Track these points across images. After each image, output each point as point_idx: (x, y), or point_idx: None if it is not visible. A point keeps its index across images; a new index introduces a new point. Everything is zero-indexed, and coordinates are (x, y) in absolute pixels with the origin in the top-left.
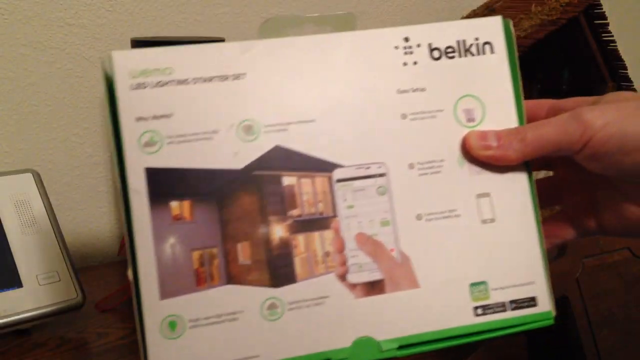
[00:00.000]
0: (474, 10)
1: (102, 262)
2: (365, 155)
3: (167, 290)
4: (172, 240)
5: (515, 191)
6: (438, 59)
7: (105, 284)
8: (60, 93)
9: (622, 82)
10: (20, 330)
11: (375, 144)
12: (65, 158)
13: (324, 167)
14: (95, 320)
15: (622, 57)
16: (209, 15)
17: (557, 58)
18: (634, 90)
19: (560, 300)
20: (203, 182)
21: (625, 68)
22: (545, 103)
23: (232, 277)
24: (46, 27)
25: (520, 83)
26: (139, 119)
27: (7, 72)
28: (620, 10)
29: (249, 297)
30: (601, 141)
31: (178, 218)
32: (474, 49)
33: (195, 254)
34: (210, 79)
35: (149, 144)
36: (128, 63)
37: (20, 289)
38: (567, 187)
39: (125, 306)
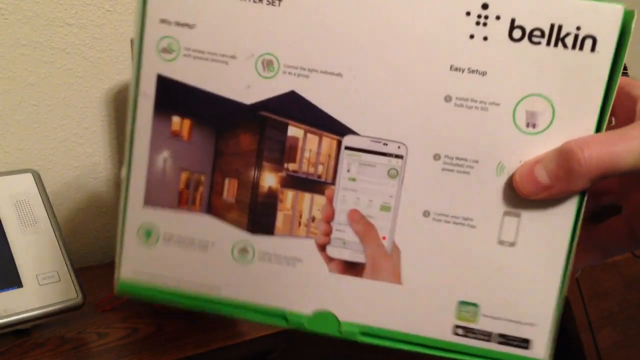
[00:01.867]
0: None
1: (102, 262)
2: (387, 130)
3: (151, 199)
4: (165, 153)
5: (554, 221)
6: (517, 40)
7: (105, 284)
8: (60, 93)
9: None
10: (20, 330)
11: (403, 121)
12: (65, 158)
13: (337, 128)
14: (95, 320)
15: None
16: None
17: None
18: None
19: None
20: (208, 105)
21: (626, 68)
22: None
23: (212, 209)
24: (46, 27)
25: (614, 94)
26: (163, 21)
27: (7, 72)
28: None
29: (224, 233)
30: None
31: (176, 134)
32: (568, 40)
33: (184, 175)
34: None
35: (166, 50)
36: None
37: (20, 289)
38: (636, 185)
39: (125, 306)
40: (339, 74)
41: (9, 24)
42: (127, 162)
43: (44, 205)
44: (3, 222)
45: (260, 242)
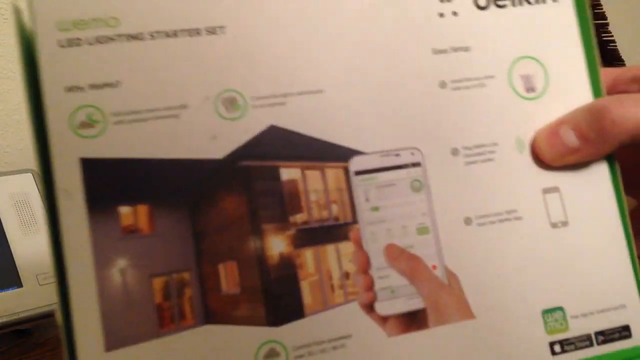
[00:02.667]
0: None
1: None
2: (394, 138)
3: (116, 338)
4: (122, 262)
5: (593, 184)
6: (484, 8)
7: None
8: None
9: None
10: (20, 330)
11: (406, 123)
12: None
13: (338, 154)
14: None
15: (622, 57)
16: None
17: None
18: None
19: None
20: (167, 178)
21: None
22: (607, 72)
23: (213, 314)
24: None
25: (594, 41)
26: (71, 88)
27: (7, 72)
28: (620, 10)
29: (238, 342)
30: None
31: (131, 230)
32: None
33: (157, 282)
34: (174, 33)
35: (86, 124)
36: (56, 10)
37: (20, 289)
38: None
39: None
40: (320, 91)
41: (9, 24)
42: (60, 300)
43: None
44: (3, 222)
45: (291, 333)
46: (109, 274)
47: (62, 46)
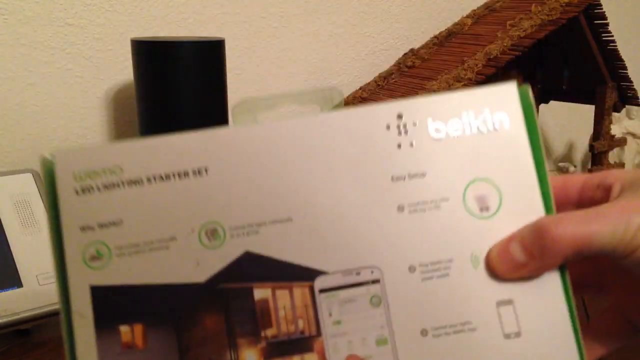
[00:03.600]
0: (474, 10)
1: None
2: (355, 259)
3: None
4: None
5: (545, 297)
6: (439, 138)
7: None
8: (60, 93)
9: (622, 82)
10: (20, 330)
11: (367, 244)
12: None
13: (304, 275)
14: None
15: (622, 57)
16: (209, 15)
17: (557, 58)
18: (634, 90)
19: None
20: (158, 300)
21: (625, 68)
22: (576, 179)
23: None
24: (46, 27)
25: (545, 163)
26: (84, 228)
27: (7, 72)
28: (620, 10)
29: None
30: None
31: (129, 345)
32: (484, 122)
33: None
34: (167, 177)
35: (95, 257)
36: (72, 163)
37: (20, 289)
38: (611, 269)
39: None
40: (289, 219)
41: (9, 24)
42: None
43: (44, 205)
44: (3, 222)
45: None
46: None
47: (77, 193)
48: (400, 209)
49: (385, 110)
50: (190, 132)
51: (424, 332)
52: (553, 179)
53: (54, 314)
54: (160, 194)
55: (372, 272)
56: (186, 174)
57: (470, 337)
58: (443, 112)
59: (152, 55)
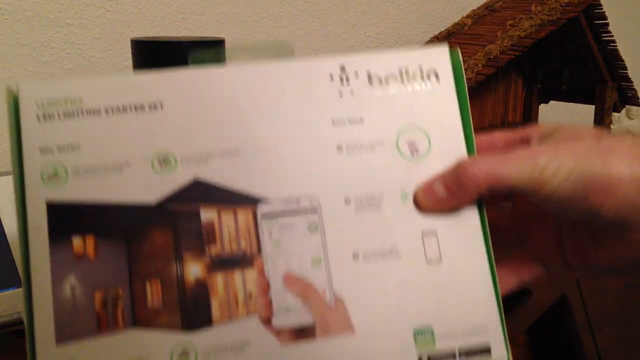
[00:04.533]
0: (474, 10)
1: None
2: (295, 189)
3: (64, 335)
4: (72, 279)
5: (464, 228)
6: (378, 87)
7: None
8: None
9: (622, 82)
10: (20, 330)
11: (307, 178)
12: None
13: (248, 201)
14: None
15: (622, 57)
16: (209, 15)
17: (557, 58)
18: (634, 90)
19: (560, 300)
20: (110, 217)
21: (625, 68)
22: (501, 135)
23: (139, 321)
24: (46, 27)
25: (470, 113)
26: (44, 150)
27: (7, 72)
28: (620, 10)
29: (157, 343)
30: (556, 186)
31: (80, 256)
32: (417, 78)
33: (98, 295)
34: (124, 109)
35: (52, 176)
36: (36, 92)
37: (20, 289)
38: (530, 219)
39: None
40: (236, 151)
41: (9, 24)
42: (25, 303)
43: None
44: (3, 222)
45: (200, 338)
46: (62, 287)
47: (39, 119)
48: (340, 148)
49: (329, 62)
50: (148, 72)
51: (355, 257)
52: (480, 135)
53: None
54: (117, 124)
55: (310, 201)
56: (142, 107)
57: (397, 261)
58: (382, 67)
59: (152, 55)
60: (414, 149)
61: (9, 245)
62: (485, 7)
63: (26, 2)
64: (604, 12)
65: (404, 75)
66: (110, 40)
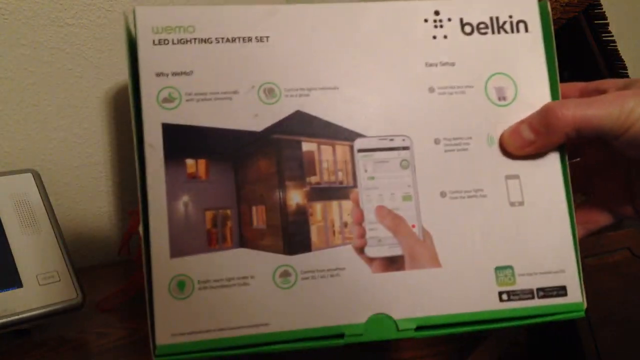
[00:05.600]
0: None
1: (102, 262)
2: (389, 127)
3: (178, 249)
4: (185, 198)
5: (546, 174)
6: (469, 34)
7: (105, 284)
8: (60, 93)
9: None
10: (20, 330)
11: (400, 117)
12: (65, 158)
13: (346, 135)
14: (95, 320)
15: (622, 57)
16: None
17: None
18: None
19: None
20: (220, 141)
21: (625, 68)
22: (576, 85)
23: (245, 241)
24: (46, 27)
25: (556, 63)
26: (159, 74)
27: (7, 72)
28: (620, 10)
29: (262, 262)
30: None
31: (193, 176)
32: (507, 27)
33: (209, 214)
34: (233, 40)
35: (167, 99)
36: (151, 19)
37: (20, 289)
38: (599, 172)
39: (125, 306)
40: (336, 87)
41: (9, 24)
42: (142, 218)
43: (44, 205)
44: (3, 222)
45: (300, 261)
46: (176, 205)
47: (155, 44)
48: (431, 90)
49: (424, 6)
50: (256, 5)
51: (443, 194)
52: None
53: (54, 314)
54: (227, 53)
55: (403, 139)
56: (250, 39)
57: (481, 201)
58: (474, 14)
59: None
60: (501, 95)
61: (9, 245)
62: None
63: (26, 2)
64: (604, 12)
65: (494, 23)
66: (110, 40)
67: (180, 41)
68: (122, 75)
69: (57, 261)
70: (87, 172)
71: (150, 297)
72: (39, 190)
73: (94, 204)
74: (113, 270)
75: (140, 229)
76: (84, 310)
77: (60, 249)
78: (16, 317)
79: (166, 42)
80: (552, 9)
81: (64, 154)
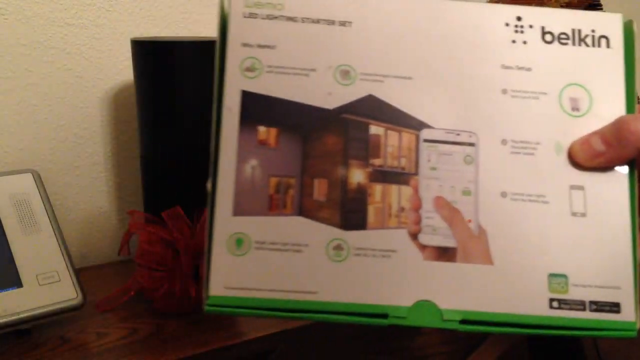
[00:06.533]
0: None
1: (102, 262)
2: (458, 122)
3: (240, 208)
4: (253, 162)
5: (613, 189)
6: (549, 42)
7: (105, 284)
8: (60, 93)
9: None
10: (20, 330)
11: (470, 113)
12: (65, 158)
13: (413, 124)
14: (95, 320)
15: None
16: (209, 15)
17: None
18: None
19: None
20: (292, 114)
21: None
22: None
23: (304, 210)
24: (46, 27)
25: (635, 83)
26: (245, 44)
27: (7, 72)
28: (620, 10)
29: (317, 233)
30: None
31: (263, 143)
32: (588, 40)
33: (273, 180)
34: (317, 21)
35: (249, 69)
36: None
37: (20, 289)
38: None
39: (125, 306)
40: (409, 77)
41: (9, 24)
42: (212, 175)
43: (44, 205)
44: (3, 222)
45: (354, 237)
46: (244, 167)
47: (245, 17)
48: (504, 92)
49: (507, 11)
50: None
51: (503, 194)
52: None
53: (54, 314)
54: (310, 33)
55: (470, 136)
56: (333, 22)
57: (542, 207)
58: (556, 24)
59: (152, 55)
60: (575, 106)
61: (9, 245)
62: None
63: (26, 2)
64: (604, 12)
65: (576, 35)
66: (110, 40)
67: (268, 16)
68: (122, 75)
69: (57, 261)
70: (87, 172)
71: (209, 251)
72: (39, 190)
73: (94, 204)
74: (113, 270)
75: (208, 185)
76: (84, 310)
77: (60, 249)
78: (16, 317)
79: (255, 16)
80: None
81: (64, 154)
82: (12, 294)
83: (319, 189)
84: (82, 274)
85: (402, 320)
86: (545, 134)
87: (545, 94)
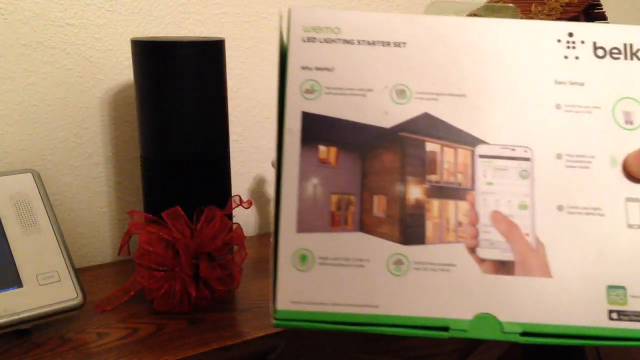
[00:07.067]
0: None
1: (102, 262)
2: (512, 137)
3: (304, 225)
4: (315, 180)
5: None
6: (601, 57)
7: (105, 284)
8: (60, 93)
9: None
10: (20, 330)
11: (524, 128)
12: (65, 158)
13: (469, 140)
14: (95, 320)
15: None
16: (209, 15)
17: None
18: None
19: None
20: (351, 133)
21: None
22: None
23: (365, 226)
24: (46, 27)
25: None
26: (304, 67)
27: (7, 72)
28: (620, 10)
29: (378, 248)
30: None
31: (324, 162)
32: None
33: (334, 197)
34: (373, 43)
35: (309, 91)
36: (303, 19)
37: (20, 289)
38: None
39: (125, 306)
40: (464, 95)
41: (9, 24)
42: (276, 193)
43: (44, 205)
44: (3, 222)
45: (414, 252)
46: (306, 185)
47: (304, 41)
48: (558, 107)
49: (559, 27)
50: (396, 14)
51: (560, 208)
52: None
53: (54, 314)
54: (366, 54)
55: (525, 151)
56: (388, 43)
57: (599, 219)
58: (608, 39)
59: (152, 55)
60: (628, 119)
61: (9, 245)
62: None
63: (26, 2)
64: (604, 12)
65: (627, 50)
66: (110, 40)
67: (326, 40)
68: (122, 75)
69: (57, 261)
70: (87, 172)
71: (275, 267)
72: (39, 190)
73: (94, 204)
74: (113, 270)
75: (273, 205)
76: (84, 310)
77: (60, 249)
78: (16, 317)
79: (314, 40)
80: (552, 9)
81: (64, 154)
82: (12, 294)
83: (378, 205)
84: (82, 274)
85: (463, 334)
86: (600, 148)
87: (598, 108)
